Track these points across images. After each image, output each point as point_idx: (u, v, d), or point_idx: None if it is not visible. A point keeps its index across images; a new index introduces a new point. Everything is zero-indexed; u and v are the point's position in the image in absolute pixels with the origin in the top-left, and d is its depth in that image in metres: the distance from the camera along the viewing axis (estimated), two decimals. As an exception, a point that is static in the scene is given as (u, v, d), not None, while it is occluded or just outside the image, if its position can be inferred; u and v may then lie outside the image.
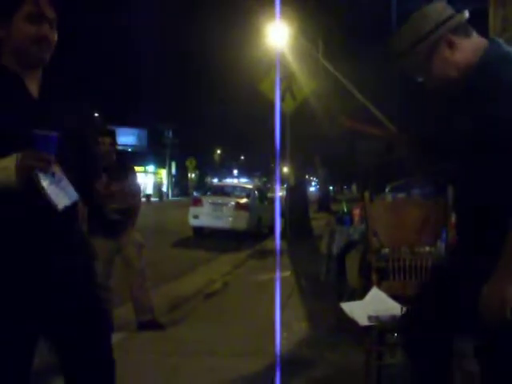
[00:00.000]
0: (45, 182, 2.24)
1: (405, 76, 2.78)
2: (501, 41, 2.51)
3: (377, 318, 3.65)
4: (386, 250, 4.56)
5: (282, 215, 17.10)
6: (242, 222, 18.04)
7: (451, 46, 2.48)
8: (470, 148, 2.40)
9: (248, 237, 17.86)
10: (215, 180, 63.01)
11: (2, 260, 2.31)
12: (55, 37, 2.44)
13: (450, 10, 2.52)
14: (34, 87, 2.45)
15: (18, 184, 2.19)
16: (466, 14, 2.55)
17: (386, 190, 10.43)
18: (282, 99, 12.21)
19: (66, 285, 2.44)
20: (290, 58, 13.19)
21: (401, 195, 9.29)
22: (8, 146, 2.21)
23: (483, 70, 2.39)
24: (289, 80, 12.50)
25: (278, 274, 4.78)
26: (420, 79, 2.66)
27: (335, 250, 7.53)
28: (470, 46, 2.50)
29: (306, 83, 12.85)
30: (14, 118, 2.29)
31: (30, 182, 2.20)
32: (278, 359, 4.63)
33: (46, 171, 2.22)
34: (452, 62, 2.48)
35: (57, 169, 2.28)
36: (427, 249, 4.42)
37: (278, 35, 13.45)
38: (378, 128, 3.10)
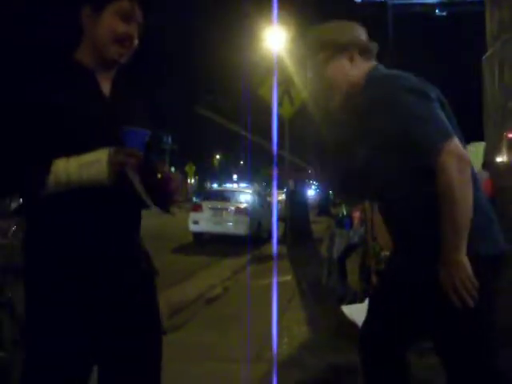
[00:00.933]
0: (136, 179, 2.21)
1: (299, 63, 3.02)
2: (380, 66, 2.79)
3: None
4: (386, 253, 4.57)
5: (283, 219, 17.11)
6: (241, 227, 18.01)
7: (352, 60, 2.76)
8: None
9: (248, 241, 17.85)
10: (215, 185, 62.99)
11: (65, 267, 2.21)
12: (136, 41, 2.39)
13: (364, 37, 2.84)
14: (106, 86, 2.40)
15: (108, 179, 2.15)
16: (375, 46, 2.85)
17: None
18: (280, 104, 12.22)
19: (129, 299, 2.35)
20: (288, 62, 13.20)
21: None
22: (90, 143, 2.18)
23: (367, 86, 2.67)
24: (287, 84, 12.50)
25: (275, 279, 4.77)
26: (309, 75, 2.89)
27: (336, 253, 7.54)
28: (364, 68, 2.76)
29: (304, 88, 12.85)
30: (88, 115, 2.23)
31: (120, 178, 2.16)
32: (279, 364, 4.63)
33: (137, 168, 2.18)
34: (345, 72, 2.74)
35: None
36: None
37: (275, 40, 13.51)
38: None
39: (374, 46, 2.83)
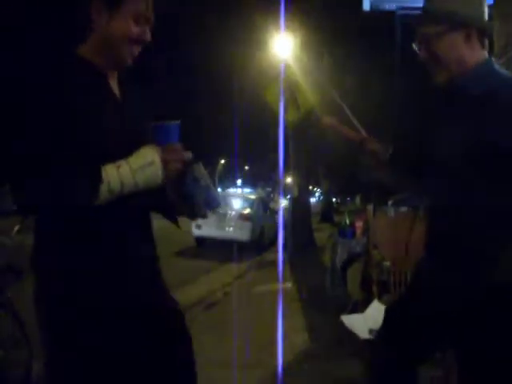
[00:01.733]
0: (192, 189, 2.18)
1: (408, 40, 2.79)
2: (494, 61, 2.58)
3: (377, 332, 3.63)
4: (388, 264, 4.56)
5: (285, 226, 17.09)
6: (244, 233, 17.99)
7: (467, 40, 2.51)
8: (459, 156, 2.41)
9: (250, 247, 17.82)
10: (219, 190, 62.99)
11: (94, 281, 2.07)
12: (149, 37, 2.25)
13: (485, 17, 2.57)
14: (115, 87, 2.27)
15: (164, 180, 2.08)
16: (493, 28, 2.60)
17: (389, 203, 10.39)
18: (287, 110, 12.21)
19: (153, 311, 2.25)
20: (294, 67, 13.20)
21: (403, 209, 9.28)
22: (112, 147, 2.06)
23: (481, 80, 2.45)
24: (293, 91, 12.49)
25: (280, 286, 4.76)
26: (418, 47, 2.65)
27: (339, 262, 7.53)
28: (479, 53, 2.54)
29: (311, 94, 12.84)
30: (104, 114, 2.11)
31: (172, 176, 2.10)
32: (279, 371, 4.62)
33: (182, 163, 2.10)
34: (458, 53, 2.51)
35: (201, 171, 2.19)
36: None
37: (282, 45, 13.50)
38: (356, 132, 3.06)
39: (493, 28, 2.64)
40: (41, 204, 2.00)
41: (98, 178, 1.96)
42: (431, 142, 2.65)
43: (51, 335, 2.10)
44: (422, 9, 2.65)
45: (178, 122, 2.12)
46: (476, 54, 2.53)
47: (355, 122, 3.15)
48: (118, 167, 1.99)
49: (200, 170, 2.20)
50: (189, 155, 2.12)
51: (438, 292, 2.45)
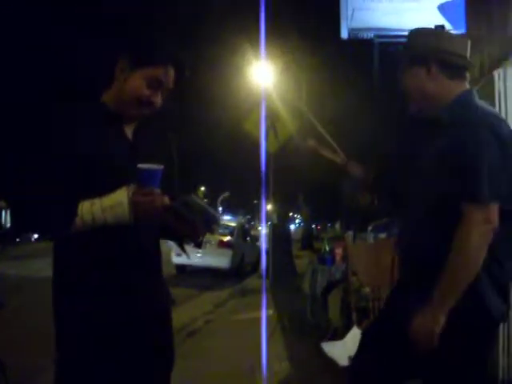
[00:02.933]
0: (186, 211, 2.30)
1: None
2: (475, 94, 2.62)
3: (357, 359, 3.64)
4: (367, 290, 4.59)
5: (266, 253, 17.08)
6: (224, 260, 17.97)
7: (428, 73, 2.59)
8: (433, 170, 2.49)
9: (231, 274, 17.78)
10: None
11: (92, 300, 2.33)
12: (160, 102, 2.48)
13: (460, 49, 2.62)
14: (129, 130, 2.51)
15: (131, 219, 2.26)
16: (471, 63, 2.69)
17: (369, 229, 10.46)
18: (266, 138, 12.29)
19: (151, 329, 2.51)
20: (274, 96, 13.28)
21: (382, 235, 9.34)
22: (108, 178, 2.30)
23: (453, 110, 2.51)
24: (273, 119, 12.57)
25: (264, 313, 4.77)
26: (399, 78, 2.74)
27: (319, 289, 7.54)
28: (447, 84, 2.60)
29: (290, 123, 12.92)
30: (111, 154, 2.36)
31: (142, 217, 2.27)
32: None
33: (156, 206, 2.25)
34: (420, 86, 2.61)
35: (194, 200, 2.34)
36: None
37: (262, 74, 13.61)
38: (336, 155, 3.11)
39: (463, 63, 2.63)
40: (27, 224, 2.44)
41: (73, 212, 2.24)
42: (407, 172, 2.72)
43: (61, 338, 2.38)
44: (407, 42, 2.75)
45: (160, 167, 2.27)
46: (443, 86, 2.59)
47: (335, 146, 3.20)
48: (92, 204, 2.26)
49: (193, 199, 2.34)
50: (165, 199, 2.29)
51: (408, 318, 2.48)
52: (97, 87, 2.56)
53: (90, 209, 2.25)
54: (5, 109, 24.28)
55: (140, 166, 2.23)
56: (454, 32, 5.98)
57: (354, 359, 2.87)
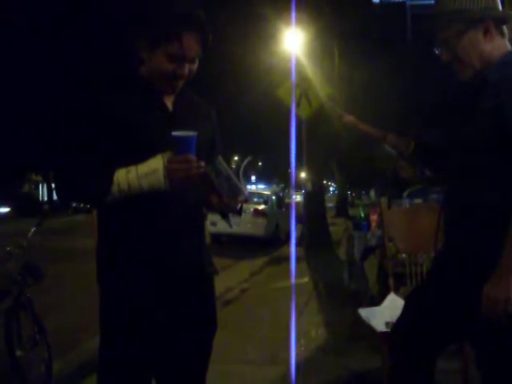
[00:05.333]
0: (216, 181, 2.32)
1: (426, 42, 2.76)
2: None
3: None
4: (403, 256, 4.54)
5: (300, 221, 17.07)
6: (260, 229, 18.02)
7: (486, 33, 2.48)
8: (484, 142, 2.40)
9: (266, 243, 17.83)
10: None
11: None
12: (194, 69, 2.46)
13: (499, 5, 2.54)
14: (169, 101, 2.52)
15: (167, 186, 2.28)
16: (511, 16, 2.57)
17: (404, 195, 10.38)
18: (298, 105, 12.19)
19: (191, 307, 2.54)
20: (305, 63, 13.17)
21: (418, 201, 9.26)
22: (147, 149, 2.31)
23: (500, 69, 2.41)
24: (305, 85, 12.46)
25: (293, 281, 4.75)
26: (438, 51, 2.63)
27: (357, 255, 7.51)
28: (501, 44, 2.51)
29: (322, 88, 12.80)
30: (150, 124, 2.39)
31: (178, 184, 2.28)
32: (296, 366, 4.62)
33: (191, 173, 2.25)
34: (479, 49, 2.48)
35: (221, 163, 2.33)
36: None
37: (293, 41, 13.48)
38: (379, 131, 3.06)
39: (509, 18, 2.55)
40: (65, 192, 2.47)
41: (109, 179, 2.27)
42: (457, 133, 2.64)
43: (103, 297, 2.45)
44: (434, 12, 2.62)
45: (194, 134, 2.25)
46: (497, 45, 2.49)
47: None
48: (128, 172, 2.29)
49: (220, 162, 2.32)
50: (202, 165, 2.26)
51: (458, 279, 2.45)
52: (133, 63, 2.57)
53: (126, 176, 2.27)
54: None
55: (174, 133, 2.22)
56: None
57: (397, 324, 2.84)
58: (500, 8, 2.53)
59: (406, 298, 3.00)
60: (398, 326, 2.83)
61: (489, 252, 2.32)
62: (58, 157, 2.44)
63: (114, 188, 2.27)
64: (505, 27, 2.55)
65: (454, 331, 2.64)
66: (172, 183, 2.26)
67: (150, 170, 2.26)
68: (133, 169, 2.28)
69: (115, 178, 2.27)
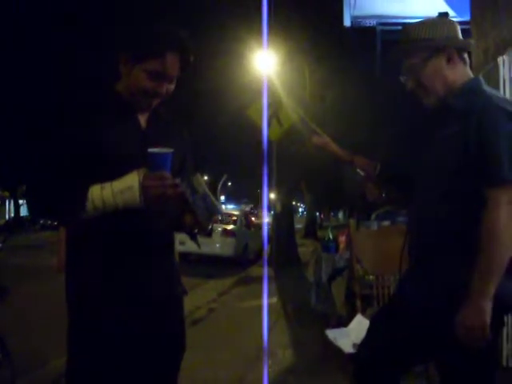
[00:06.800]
0: (191, 199, 2.33)
1: (394, 70, 2.83)
2: (482, 80, 2.64)
3: (361, 346, 3.64)
4: (371, 278, 4.59)
5: (269, 241, 17.08)
6: (228, 249, 17.97)
7: (449, 61, 2.59)
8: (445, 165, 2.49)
9: (234, 263, 17.79)
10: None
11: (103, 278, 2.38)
12: (171, 88, 2.48)
13: (460, 34, 2.65)
14: (143, 118, 2.53)
15: (142, 203, 2.26)
16: (472, 43, 2.73)
17: (372, 217, 10.45)
18: (269, 126, 12.24)
19: (160, 315, 2.54)
20: (277, 84, 13.24)
21: (386, 223, 9.33)
22: (120, 165, 2.30)
23: (465, 97, 2.51)
24: (276, 106, 12.51)
25: (265, 301, 4.77)
26: (404, 78, 2.72)
27: (324, 276, 7.54)
28: (463, 71, 2.63)
29: (293, 109, 12.86)
30: (124, 140, 2.39)
31: (153, 201, 2.27)
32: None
33: (166, 190, 2.25)
34: (442, 76, 2.59)
35: (199, 181, 2.36)
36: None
37: (265, 61, 13.56)
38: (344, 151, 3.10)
39: (470, 45, 2.70)
40: (38, 209, 2.43)
41: (84, 196, 2.25)
42: (420, 159, 2.71)
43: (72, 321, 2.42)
44: (399, 41, 2.71)
45: (170, 151, 2.26)
46: (459, 72, 2.61)
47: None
48: (102, 189, 2.27)
49: (198, 180, 2.36)
50: (176, 182, 2.28)
51: (423, 301, 2.50)
52: (108, 79, 2.58)
53: (100, 193, 2.26)
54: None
55: (150, 150, 2.23)
56: (458, 19, 5.95)
57: (362, 345, 2.87)
58: (460, 36, 2.64)
59: (372, 320, 3.04)
60: (363, 348, 2.87)
61: (455, 275, 2.37)
62: (31, 173, 2.40)
63: (89, 205, 2.25)
64: (466, 55, 2.66)
65: (419, 354, 2.68)
66: (147, 200, 2.25)
67: (126, 187, 2.25)
68: (107, 185, 2.27)
69: (89, 195, 2.25)
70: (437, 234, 2.51)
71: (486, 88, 2.59)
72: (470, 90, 2.54)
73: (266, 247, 16.61)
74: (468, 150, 2.37)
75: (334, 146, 3.08)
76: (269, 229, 18.49)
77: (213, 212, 2.42)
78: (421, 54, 2.61)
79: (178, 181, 2.29)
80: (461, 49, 2.63)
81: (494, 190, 2.32)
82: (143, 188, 2.24)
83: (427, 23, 2.65)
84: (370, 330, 2.84)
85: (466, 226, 2.38)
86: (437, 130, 2.61)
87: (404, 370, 2.80)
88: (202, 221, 2.44)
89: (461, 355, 2.41)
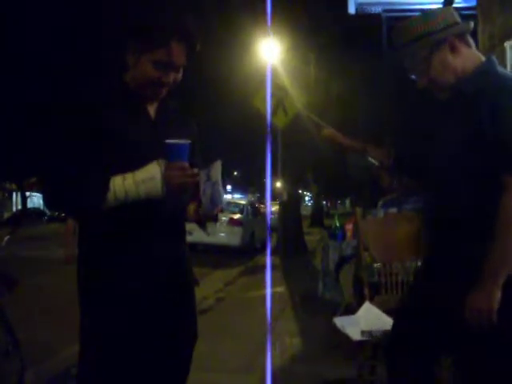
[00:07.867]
0: (204, 188, 2.37)
1: (400, 70, 2.79)
2: (496, 60, 2.58)
3: (369, 333, 3.65)
4: (378, 265, 4.57)
5: (275, 230, 17.08)
6: (235, 238, 17.98)
7: (453, 50, 2.53)
8: (458, 150, 2.46)
9: (241, 252, 17.81)
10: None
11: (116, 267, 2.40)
12: (179, 77, 2.49)
13: (458, 17, 2.59)
14: (151, 108, 2.55)
15: (164, 193, 2.31)
16: (471, 25, 2.63)
17: (379, 204, 10.43)
18: (274, 114, 12.20)
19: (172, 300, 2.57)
20: (282, 72, 13.20)
21: (392, 210, 9.30)
22: (133, 156, 2.35)
23: (476, 80, 2.47)
24: (281, 94, 12.47)
25: (269, 290, 4.76)
26: (413, 76, 2.69)
27: (331, 264, 7.53)
28: (470, 55, 2.56)
29: (298, 98, 12.82)
30: (135, 131, 2.41)
31: (174, 191, 2.31)
32: (272, 375, 4.62)
33: (187, 180, 2.30)
34: (451, 66, 2.53)
35: (217, 169, 2.40)
36: (418, 263, 4.41)
37: (269, 50, 13.51)
38: (358, 141, 3.07)
39: (470, 27, 2.62)
40: (58, 203, 2.44)
41: (106, 187, 2.28)
42: (433, 145, 2.68)
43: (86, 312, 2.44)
44: (398, 45, 2.66)
45: (188, 142, 2.32)
46: (467, 57, 2.55)
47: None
48: (124, 179, 2.31)
49: (216, 167, 2.41)
50: (195, 172, 2.33)
51: (450, 280, 2.47)
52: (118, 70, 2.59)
53: (123, 184, 2.29)
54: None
55: (168, 141, 2.27)
56: (464, 5, 5.90)
57: (391, 334, 2.86)
58: (459, 20, 2.58)
59: (396, 312, 3.02)
60: (392, 338, 2.85)
61: (476, 259, 2.34)
62: (50, 168, 2.42)
63: (110, 196, 2.28)
64: (468, 37, 2.60)
65: (444, 342, 2.66)
66: (168, 190, 2.29)
67: (148, 177, 2.29)
68: (129, 176, 2.31)
69: (111, 186, 2.28)
70: (457, 209, 2.47)
71: (500, 69, 2.54)
72: (483, 73, 2.49)
73: (270, 236, 16.60)
74: (483, 129, 2.33)
75: (343, 137, 3.05)
76: (275, 217, 18.48)
77: (215, 202, 2.44)
78: (422, 53, 2.56)
79: (196, 170, 2.32)
80: (461, 34, 2.57)
81: (510, 176, 2.29)
82: (165, 178, 2.28)
83: (419, 19, 2.58)
84: (396, 319, 2.87)
85: (488, 207, 2.33)
86: (450, 115, 2.57)
87: (436, 357, 2.78)
88: (203, 212, 2.50)
89: (475, 339, 2.38)
